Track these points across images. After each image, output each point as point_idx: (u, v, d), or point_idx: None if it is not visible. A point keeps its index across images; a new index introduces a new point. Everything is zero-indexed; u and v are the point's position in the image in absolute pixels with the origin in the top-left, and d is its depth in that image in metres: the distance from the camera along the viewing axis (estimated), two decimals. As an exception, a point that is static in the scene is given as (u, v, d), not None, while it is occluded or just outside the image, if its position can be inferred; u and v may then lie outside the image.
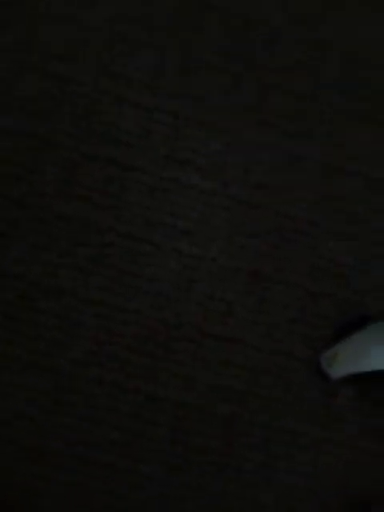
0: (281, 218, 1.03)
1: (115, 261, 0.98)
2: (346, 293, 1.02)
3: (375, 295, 1.03)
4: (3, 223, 0.96)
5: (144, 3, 1.04)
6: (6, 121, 0.98)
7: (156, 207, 1.00)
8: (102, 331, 0.97)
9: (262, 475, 0.99)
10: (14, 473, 0.97)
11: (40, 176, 0.98)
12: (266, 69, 1.05)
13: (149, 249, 0.99)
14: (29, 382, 0.95)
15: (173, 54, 1.03)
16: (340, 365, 0.97)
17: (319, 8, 1.06)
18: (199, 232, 1.01)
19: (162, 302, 0.99)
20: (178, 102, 1.03)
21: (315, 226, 1.04)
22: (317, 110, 1.05)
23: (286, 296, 1.01)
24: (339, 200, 1.03)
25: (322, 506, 1.01)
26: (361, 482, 1.02)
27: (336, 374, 0.97)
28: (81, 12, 1.02)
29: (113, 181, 0.99)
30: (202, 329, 0.99)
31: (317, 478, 1.01)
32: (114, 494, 0.97)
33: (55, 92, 1.00)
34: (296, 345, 1.01)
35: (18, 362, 0.96)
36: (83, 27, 1.01)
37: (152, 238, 0.99)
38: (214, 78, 1.03)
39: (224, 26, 1.04)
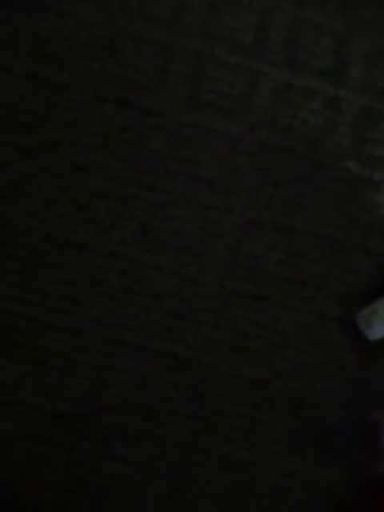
0: (313, 165, 0.95)
1: (135, 213, 0.91)
2: (382, 247, 0.94)
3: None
4: (14, 175, 0.90)
5: None
6: (15, 64, 0.91)
7: (177, 155, 0.92)
8: (121, 289, 0.91)
9: (290, 442, 0.93)
10: (24, 437, 0.92)
11: (52, 123, 0.90)
12: (296, 1, 0.95)
13: (170, 200, 0.91)
14: (43, 342, 0.90)
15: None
16: (380, 324, 0.90)
17: None
18: (223, 182, 0.93)
19: (184, 257, 0.92)
20: (200, 39, 0.95)
21: (349, 174, 0.95)
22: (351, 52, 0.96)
23: (317, 250, 0.93)
24: (377, 145, 0.94)
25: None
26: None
27: (375, 334, 0.89)
28: None
29: (130, 127, 0.92)
30: (226, 286, 0.92)
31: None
32: (131, 463, 0.91)
33: (67, 32, 0.92)
34: (327, 303, 0.93)
35: (32, 322, 0.90)
36: None
37: (173, 188, 0.92)
38: (240, 14, 0.94)
39: None
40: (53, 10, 0.94)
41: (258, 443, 0.94)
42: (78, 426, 0.92)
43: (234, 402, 0.94)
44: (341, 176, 0.98)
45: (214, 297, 0.94)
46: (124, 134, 0.94)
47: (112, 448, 0.93)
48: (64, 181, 0.92)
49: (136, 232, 0.92)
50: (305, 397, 0.94)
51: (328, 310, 0.95)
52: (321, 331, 0.94)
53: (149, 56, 0.96)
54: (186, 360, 0.93)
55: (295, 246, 0.96)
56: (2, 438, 0.91)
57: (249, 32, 0.99)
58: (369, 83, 1.00)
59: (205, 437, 0.93)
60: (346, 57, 1.01)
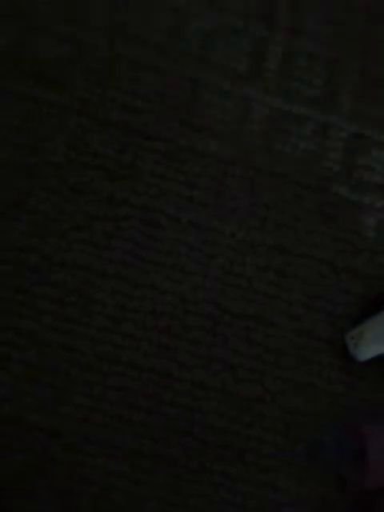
0: (304, 189, 0.98)
1: (130, 234, 0.93)
2: (371, 268, 0.97)
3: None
4: (15, 193, 0.92)
5: None
6: (18, 86, 0.93)
7: (172, 177, 0.95)
8: (117, 307, 0.93)
9: (282, 460, 0.95)
10: (21, 452, 0.93)
11: (52, 145, 0.93)
12: (290, 31, 0.99)
13: (165, 222, 0.94)
14: (40, 359, 0.91)
15: (191, 17, 0.97)
16: (367, 345, 0.92)
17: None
18: (218, 204, 0.95)
19: (178, 276, 0.94)
20: (195, 66, 0.98)
21: (338, 198, 0.98)
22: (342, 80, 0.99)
23: (308, 271, 0.96)
24: (366, 170, 0.98)
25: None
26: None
27: (362, 355, 0.92)
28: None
29: (127, 149, 0.94)
30: (221, 305, 0.94)
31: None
32: (129, 479, 0.92)
33: (69, 56, 0.94)
34: (319, 323, 0.96)
35: (29, 338, 0.92)
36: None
37: (168, 210, 0.94)
38: (235, 42, 0.97)
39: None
40: (54, 34, 0.97)
41: (249, 460, 0.96)
42: (75, 442, 0.93)
43: (226, 419, 0.95)
44: (331, 199, 1.01)
45: (207, 315, 0.96)
46: (121, 155, 0.96)
47: (107, 463, 0.94)
48: (62, 200, 0.94)
49: (130, 252, 0.94)
50: (295, 415, 0.96)
51: (318, 330, 0.97)
52: (311, 351, 0.97)
53: (146, 81, 0.98)
54: (179, 378, 0.95)
55: (286, 266, 0.98)
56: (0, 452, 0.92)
57: (243, 60, 1.02)
58: (359, 110, 1.04)
59: (197, 453, 0.95)
60: (338, 84, 1.04)
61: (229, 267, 0.97)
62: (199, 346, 0.95)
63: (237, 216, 0.97)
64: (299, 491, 0.96)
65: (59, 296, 0.93)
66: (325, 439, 0.95)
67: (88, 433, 0.93)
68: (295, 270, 0.97)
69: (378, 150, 1.00)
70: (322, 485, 0.97)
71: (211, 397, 0.95)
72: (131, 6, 0.98)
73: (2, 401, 0.93)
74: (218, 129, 0.99)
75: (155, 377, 0.94)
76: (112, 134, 0.95)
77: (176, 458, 0.95)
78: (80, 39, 0.98)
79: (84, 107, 0.95)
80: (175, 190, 0.96)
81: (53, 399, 0.93)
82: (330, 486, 0.97)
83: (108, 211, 0.95)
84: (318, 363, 0.96)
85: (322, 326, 0.97)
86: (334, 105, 1.03)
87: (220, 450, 0.95)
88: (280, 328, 0.97)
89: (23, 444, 0.92)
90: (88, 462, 0.93)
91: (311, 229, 0.99)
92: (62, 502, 0.91)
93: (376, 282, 0.97)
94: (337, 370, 0.97)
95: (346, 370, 0.97)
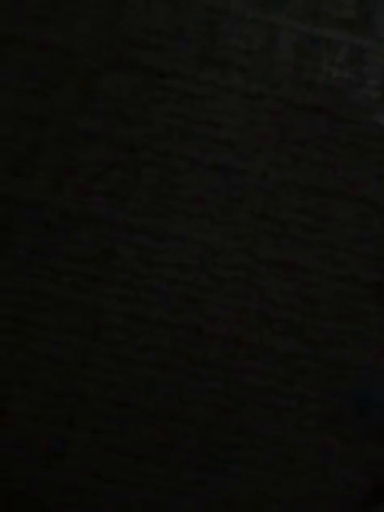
0: (338, 121, 0.87)
1: (151, 181, 0.85)
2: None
3: None
4: (24, 146, 0.85)
5: None
6: (21, 29, 0.85)
7: (193, 117, 0.85)
8: (140, 261, 0.85)
9: (325, 417, 0.86)
10: (39, 419, 0.86)
11: (61, 90, 0.84)
12: None
13: (187, 166, 0.85)
14: (61, 320, 0.84)
15: None
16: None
17: None
18: (244, 142, 0.86)
19: (206, 224, 0.87)
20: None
21: (380, 128, 0.88)
22: None
23: (347, 212, 0.86)
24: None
25: None
26: None
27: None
28: None
29: (141, 90, 0.85)
30: (254, 253, 0.88)
31: None
32: (154, 442, 0.86)
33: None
34: (362, 267, 0.86)
35: (49, 300, 0.85)
36: None
37: (190, 152, 0.85)
38: None
39: None
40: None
41: (291, 419, 0.87)
42: (102, 407, 0.87)
43: (264, 376, 0.87)
44: (370, 131, 0.90)
45: (239, 266, 0.87)
46: (135, 97, 0.87)
47: (137, 429, 0.87)
48: (75, 150, 0.86)
49: (152, 201, 0.86)
50: (340, 368, 0.87)
51: (362, 275, 0.88)
52: (355, 298, 0.87)
53: (159, 14, 0.88)
54: (212, 334, 0.87)
55: (323, 208, 0.89)
56: (23, 421, 0.86)
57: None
58: (397, 31, 0.92)
59: (234, 415, 0.87)
60: (371, 4, 0.92)
61: (260, 212, 0.87)
62: (231, 299, 0.86)
63: (266, 155, 0.88)
64: (347, 452, 0.88)
65: (78, 253, 0.86)
66: (374, 393, 0.86)
67: (114, 397, 0.86)
68: (333, 211, 0.88)
69: None
70: (373, 443, 0.88)
71: (246, 353, 0.87)
72: None
73: (21, 365, 0.86)
74: (242, 61, 0.90)
75: (185, 333, 0.86)
76: (124, 75, 0.86)
77: (211, 421, 0.87)
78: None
79: (92, 47, 0.86)
80: (197, 130, 0.87)
81: (77, 363, 0.86)
82: (382, 443, 0.88)
83: (126, 158, 0.86)
84: (363, 311, 0.87)
85: (365, 270, 0.87)
86: (368, 27, 0.92)
87: (259, 410, 0.87)
88: (320, 275, 0.88)
89: (46, 409, 0.86)
90: (116, 428, 0.86)
91: (349, 165, 0.89)
92: (92, 469, 0.85)
93: None
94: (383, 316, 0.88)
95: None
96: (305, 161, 0.99)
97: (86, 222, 0.97)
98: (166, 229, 0.97)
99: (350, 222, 1.00)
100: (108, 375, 0.94)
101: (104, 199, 0.97)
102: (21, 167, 0.96)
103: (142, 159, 0.98)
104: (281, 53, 0.98)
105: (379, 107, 0.99)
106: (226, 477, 0.93)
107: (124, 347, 0.95)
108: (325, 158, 1.00)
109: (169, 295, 0.98)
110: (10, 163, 0.96)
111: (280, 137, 1.00)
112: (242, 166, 0.95)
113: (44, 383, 0.93)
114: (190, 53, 0.98)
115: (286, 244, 0.98)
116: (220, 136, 0.95)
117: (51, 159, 0.98)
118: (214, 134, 0.98)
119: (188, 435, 0.93)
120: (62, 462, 0.93)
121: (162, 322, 0.97)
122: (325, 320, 0.97)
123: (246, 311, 0.98)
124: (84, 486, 0.95)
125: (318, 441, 0.95)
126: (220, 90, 0.99)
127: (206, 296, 0.97)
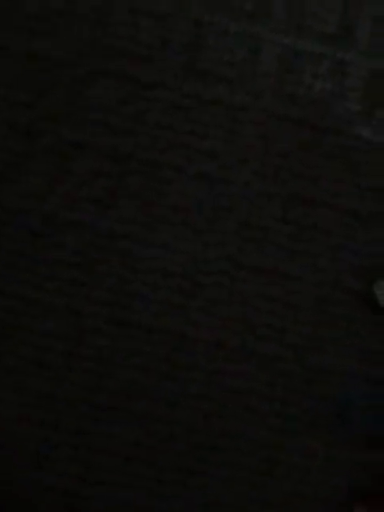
0: (321, 132, 0.90)
1: (137, 190, 0.87)
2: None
3: None
4: (11, 154, 0.86)
5: None
6: (9, 41, 0.87)
7: (178, 127, 0.87)
8: (125, 267, 0.87)
9: (308, 422, 0.88)
10: (25, 422, 0.88)
11: (48, 100, 0.86)
12: None
13: (172, 175, 0.87)
14: (45, 325, 0.86)
15: None
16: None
17: None
18: (228, 153, 0.88)
19: (188, 233, 0.88)
20: (199, 7, 0.90)
21: (360, 140, 0.90)
22: None
23: (330, 221, 0.88)
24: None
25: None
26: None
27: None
28: None
29: (127, 100, 0.87)
30: (237, 260, 0.89)
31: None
32: (142, 446, 0.87)
33: (61, 8, 0.88)
34: (343, 275, 0.88)
35: (33, 305, 0.87)
36: None
37: (175, 162, 0.87)
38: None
39: None
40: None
41: (273, 423, 0.89)
42: (86, 410, 0.88)
43: (246, 380, 0.89)
44: (352, 143, 0.93)
45: (222, 273, 0.89)
46: (122, 107, 0.89)
47: (124, 432, 0.88)
48: (62, 159, 0.88)
49: (137, 209, 0.88)
50: (320, 373, 0.89)
51: (343, 282, 0.90)
52: (335, 304, 0.89)
53: (146, 26, 0.91)
54: (195, 339, 0.89)
55: (306, 217, 0.91)
56: (8, 424, 0.88)
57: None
58: (378, 45, 0.94)
59: (218, 418, 0.89)
60: (354, 18, 0.94)
61: (243, 220, 0.89)
62: (215, 305, 0.88)
63: (250, 165, 0.90)
64: (327, 455, 0.89)
65: (63, 259, 0.87)
66: (354, 398, 0.88)
67: (101, 400, 0.88)
68: (315, 220, 0.90)
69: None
70: (352, 447, 0.90)
71: (229, 357, 0.88)
72: None
73: (8, 369, 0.88)
74: (225, 72, 0.91)
75: (168, 338, 0.88)
76: (110, 86, 0.88)
77: (195, 424, 0.89)
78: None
79: (79, 58, 0.88)
80: (182, 141, 0.89)
81: (63, 366, 0.88)
82: (360, 448, 0.90)
83: (112, 167, 0.88)
84: (343, 317, 0.89)
85: (347, 277, 0.89)
86: (350, 40, 0.94)
87: (241, 413, 0.89)
88: (301, 282, 0.89)
89: (32, 412, 0.88)
90: (101, 430, 0.88)
91: (331, 176, 0.91)
92: (76, 472, 0.86)
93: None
94: (365, 323, 0.90)
95: (375, 323, 0.89)
96: (288, 171, 1.02)
97: (73, 229, 0.99)
98: (150, 236, 0.99)
99: (332, 231, 0.97)
100: (94, 379, 0.96)
101: (90, 207, 0.99)
102: (8, 174, 0.99)
103: (127, 168, 1.00)
104: (264, 65, 1.00)
105: (360, 119, 1.01)
106: (212, 479, 0.95)
107: (109, 352, 0.97)
108: (307, 168, 1.02)
109: (153, 301, 1.00)
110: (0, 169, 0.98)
111: (263, 148, 1.02)
112: (226, 175, 0.96)
113: (32, 387, 0.95)
114: (176, 64, 1.00)
115: (268, 252, 1.00)
116: (205, 146, 0.96)
117: (38, 167, 1.00)
118: (199, 145, 0.96)
119: (174, 438, 0.95)
120: (51, 464, 0.95)
121: (147, 327, 0.99)
122: (306, 325, 0.99)
123: (228, 316, 1.00)
124: (73, 488, 0.96)
125: (301, 444, 0.97)
126: (204, 101, 1.01)
127: (190, 302, 1.00)
